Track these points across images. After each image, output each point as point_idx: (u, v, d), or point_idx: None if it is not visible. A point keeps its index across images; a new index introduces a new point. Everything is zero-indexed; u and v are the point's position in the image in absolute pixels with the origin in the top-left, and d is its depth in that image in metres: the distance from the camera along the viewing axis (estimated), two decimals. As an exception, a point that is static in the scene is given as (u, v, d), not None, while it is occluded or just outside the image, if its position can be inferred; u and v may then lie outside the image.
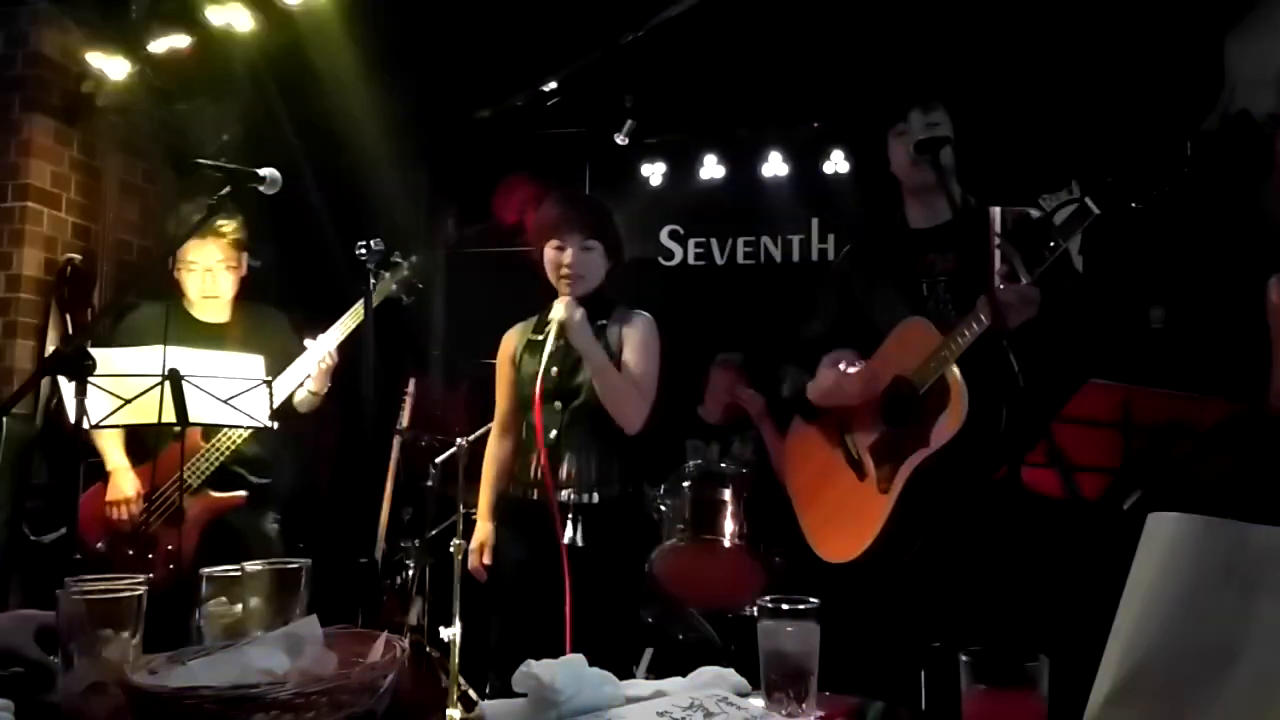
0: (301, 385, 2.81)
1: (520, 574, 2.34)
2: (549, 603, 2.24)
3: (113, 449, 2.79)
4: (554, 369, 2.33)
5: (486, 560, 2.41)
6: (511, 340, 2.50)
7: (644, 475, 2.75)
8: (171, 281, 2.87)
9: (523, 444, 2.42)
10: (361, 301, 2.73)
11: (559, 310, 2.28)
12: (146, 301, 2.96)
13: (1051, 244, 1.82)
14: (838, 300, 2.27)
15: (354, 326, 2.82)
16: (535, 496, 2.30)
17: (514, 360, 2.45)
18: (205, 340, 2.67)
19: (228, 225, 2.84)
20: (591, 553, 2.25)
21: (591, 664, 1.14)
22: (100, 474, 2.78)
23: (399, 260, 2.90)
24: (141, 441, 2.76)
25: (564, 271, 2.32)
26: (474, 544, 2.43)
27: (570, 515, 2.26)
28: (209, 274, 2.85)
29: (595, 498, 2.29)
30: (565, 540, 2.22)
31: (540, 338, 2.37)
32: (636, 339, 2.37)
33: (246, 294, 2.98)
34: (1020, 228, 2.07)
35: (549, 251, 2.37)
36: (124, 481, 2.76)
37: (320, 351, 2.78)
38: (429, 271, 3.01)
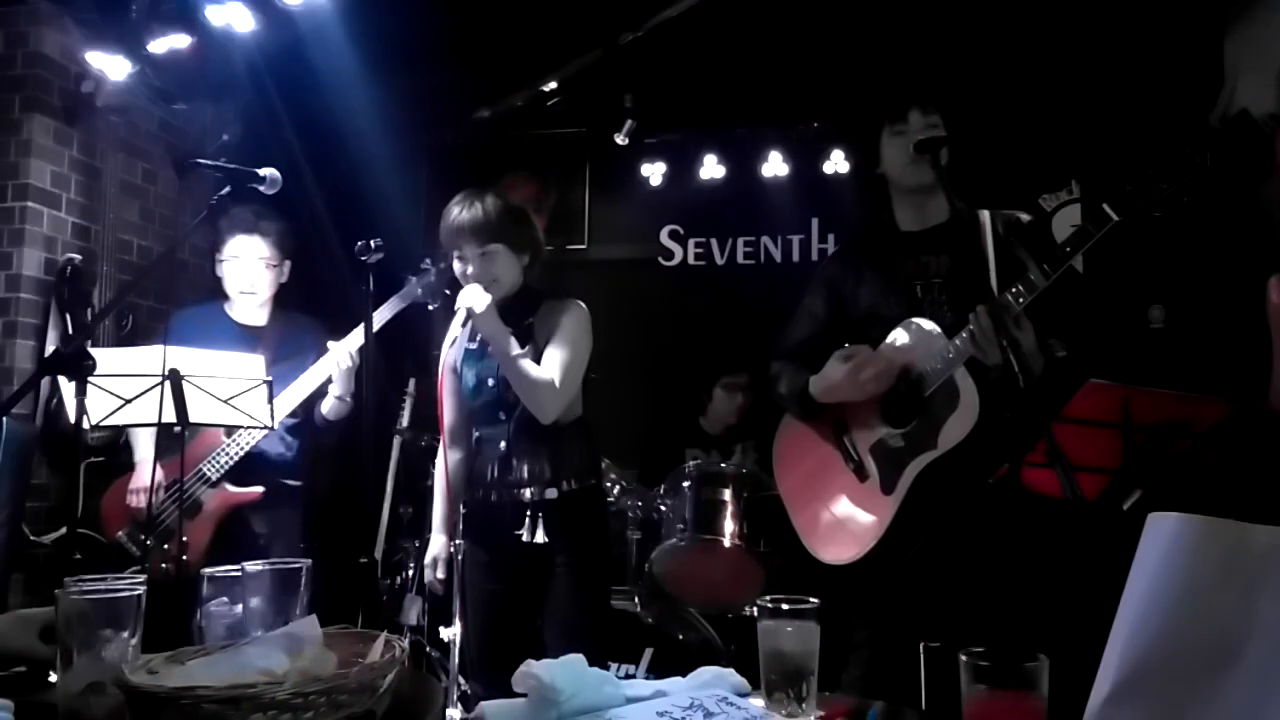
0: (328, 394, 2.82)
1: (484, 576, 2.32)
2: (520, 602, 2.28)
3: (144, 442, 2.82)
4: (490, 380, 2.29)
5: (440, 575, 2.38)
6: (452, 349, 2.43)
7: (600, 466, 2.70)
8: (214, 277, 2.93)
9: (476, 450, 2.40)
10: (390, 301, 2.82)
11: (463, 298, 2.19)
12: (193, 305, 3.02)
13: (1067, 249, 1.81)
14: (826, 303, 2.24)
15: (378, 327, 2.82)
16: (493, 498, 2.30)
17: (455, 370, 2.41)
18: (242, 343, 2.72)
19: (270, 225, 2.88)
20: (554, 547, 2.25)
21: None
22: (102, 472, 2.81)
23: (426, 266, 2.90)
24: (169, 435, 2.80)
25: (467, 285, 2.23)
26: (428, 558, 2.40)
27: (530, 513, 2.24)
28: (249, 269, 2.88)
29: (553, 493, 2.27)
30: (527, 538, 2.22)
31: (475, 346, 2.34)
32: (561, 329, 2.29)
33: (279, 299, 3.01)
34: (1029, 230, 2.06)
35: (454, 263, 2.29)
36: (147, 472, 2.79)
37: (340, 354, 2.78)
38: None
